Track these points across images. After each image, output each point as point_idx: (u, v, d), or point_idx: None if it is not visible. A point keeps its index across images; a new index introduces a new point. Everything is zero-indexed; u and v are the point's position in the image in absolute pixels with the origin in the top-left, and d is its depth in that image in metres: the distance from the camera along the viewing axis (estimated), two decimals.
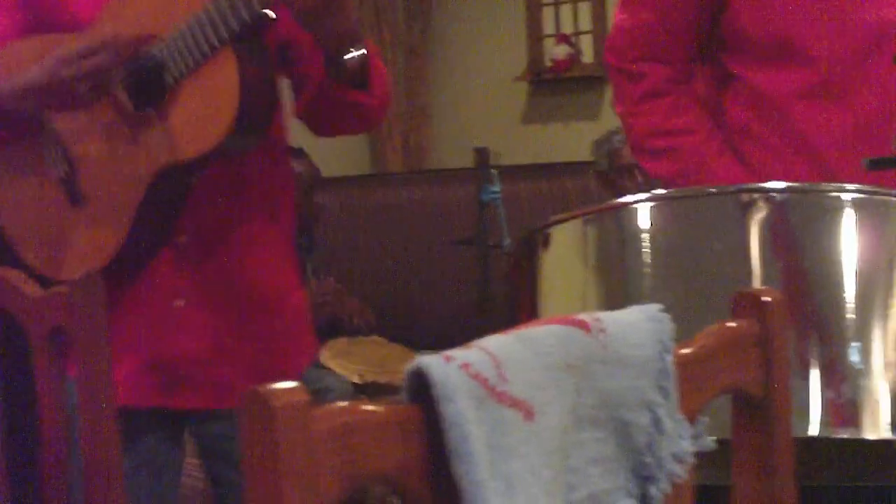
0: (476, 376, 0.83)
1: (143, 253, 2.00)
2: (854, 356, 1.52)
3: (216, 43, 1.83)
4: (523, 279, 1.75)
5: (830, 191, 1.59)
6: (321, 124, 2.12)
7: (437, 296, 5.20)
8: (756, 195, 1.56)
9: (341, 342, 4.40)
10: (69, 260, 2.01)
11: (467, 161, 5.64)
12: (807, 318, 1.57)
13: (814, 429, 1.52)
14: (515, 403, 0.85)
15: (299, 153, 4.39)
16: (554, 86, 5.94)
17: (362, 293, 4.79)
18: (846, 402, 1.52)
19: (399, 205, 5.45)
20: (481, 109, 6.20)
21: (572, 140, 5.73)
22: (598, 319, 0.94)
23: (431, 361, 0.83)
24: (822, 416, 1.51)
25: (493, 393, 0.84)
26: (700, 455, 1.06)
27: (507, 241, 3.54)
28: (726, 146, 2.02)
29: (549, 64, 5.90)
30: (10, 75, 1.98)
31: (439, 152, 6.29)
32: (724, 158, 2.00)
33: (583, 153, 4.75)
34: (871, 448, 1.75)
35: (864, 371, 1.51)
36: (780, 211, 1.57)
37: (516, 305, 1.77)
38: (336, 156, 5.64)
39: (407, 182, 5.68)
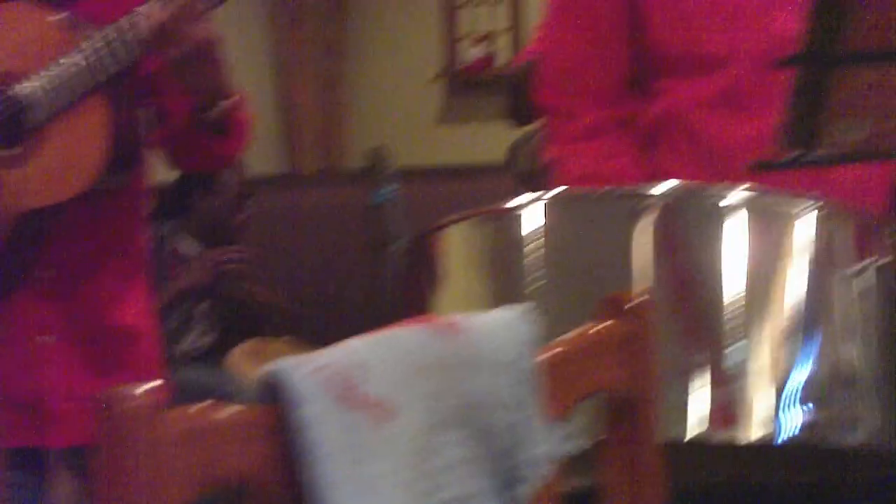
0: (330, 379, 0.83)
1: (6, 289, 1.97)
2: (736, 358, 1.54)
3: (89, 86, 1.82)
4: (417, 281, 1.75)
5: (717, 192, 1.60)
6: (177, 159, 2.13)
7: (344, 298, 5.20)
8: (645, 197, 1.57)
9: (252, 343, 4.38)
10: None
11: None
12: (691, 320, 1.59)
13: (693, 431, 1.54)
14: (372, 406, 0.85)
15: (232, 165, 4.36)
16: (470, 87, 5.95)
17: (276, 295, 4.77)
18: (724, 404, 1.54)
19: (307, 206, 5.44)
20: (397, 109, 6.20)
21: (488, 141, 5.74)
22: (460, 321, 0.94)
23: (284, 364, 0.83)
24: (703, 418, 1.53)
25: (348, 396, 0.83)
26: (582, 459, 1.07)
27: (399, 244, 3.53)
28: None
29: (464, 65, 5.91)
30: None
31: (355, 152, 6.27)
32: None
33: (499, 154, 4.76)
34: (756, 449, 1.78)
35: (746, 373, 1.53)
36: (668, 212, 1.58)
37: (410, 308, 1.77)
38: (250, 155, 5.60)
39: (314, 183, 5.67)
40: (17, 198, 1.87)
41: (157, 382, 0.76)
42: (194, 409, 0.79)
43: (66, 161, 1.86)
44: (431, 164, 5.70)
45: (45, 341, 1.98)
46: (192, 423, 0.78)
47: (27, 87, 1.85)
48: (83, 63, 1.82)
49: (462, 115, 6.04)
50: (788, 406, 1.57)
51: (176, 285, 4.15)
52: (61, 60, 1.83)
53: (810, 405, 1.59)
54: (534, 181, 4.06)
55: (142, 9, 1.80)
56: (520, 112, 3.44)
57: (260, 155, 5.91)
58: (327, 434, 0.82)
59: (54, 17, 1.87)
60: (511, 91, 3.45)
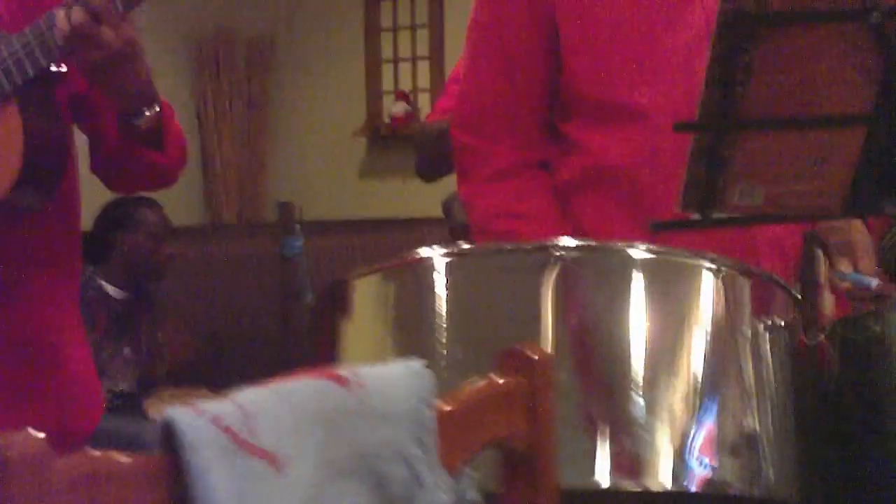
0: (225, 428, 0.84)
1: None
2: (638, 410, 1.56)
3: (2, 93, 1.79)
4: (324, 334, 1.75)
5: (619, 249, 1.63)
6: (115, 181, 2.09)
7: (255, 349, 5.19)
8: (549, 252, 1.60)
9: (166, 394, 4.35)
10: None
11: (305, 214, 5.66)
12: (595, 374, 1.61)
13: (599, 480, 1.56)
14: (265, 455, 0.86)
15: (152, 202, 4.35)
16: (392, 142, 5.99)
17: (192, 347, 4.76)
18: (630, 454, 1.56)
19: (223, 256, 5.44)
20: (319, 162, 6.22)
21: (409, 196, 5.78)
22: (356, 373, 0.95)
23: (180, 412, 0.83)
24: (606, 467, 1.55)
25: (241, 444, 0.84)
26: None
27: (308, 296, 3.55)
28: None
29: (387, 120, 5.96)
30: None
31: (275, 205, 6.28)
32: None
33: (419, 210, 4.80)
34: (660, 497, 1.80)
35: (648, 424, 1.56)
36: (572, 268, 1.61)
37: (319, 359, 1.77)
38: (168, 204, 5.58)
39: (230, 234, 5.67)
40: None
41: (40, 435, 0.76)
42: (84, 456, 0.79)
43: None
44: (351, 216, 5.72)
45: None
46: (83, 470, 0.78)
47: None
48: None
49: (383, 169, 6.08)
50: (692, 457, 1.60)
51: (104, 330, 4.12)
52: None
53: (713, 457, 1.62)
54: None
55: (58, 11, 1.76)
56: (428, 168, 3.46)
57: (179, 205, 5.89)
58: (219, 483, 0.82)
59: None
60: (420, 147, 3.47)
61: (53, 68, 1.80)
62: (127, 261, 4.31)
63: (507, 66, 2.02)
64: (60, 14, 1.74)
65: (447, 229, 4.20)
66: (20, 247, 1.97)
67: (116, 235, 4.29)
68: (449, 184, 3.99)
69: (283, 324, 3.97)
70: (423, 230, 4.77)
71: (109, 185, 2.10)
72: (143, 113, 1.88)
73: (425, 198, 4.71)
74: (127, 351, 4.29)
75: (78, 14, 1.73)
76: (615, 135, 1.99)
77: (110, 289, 4.29)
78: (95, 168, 2.06)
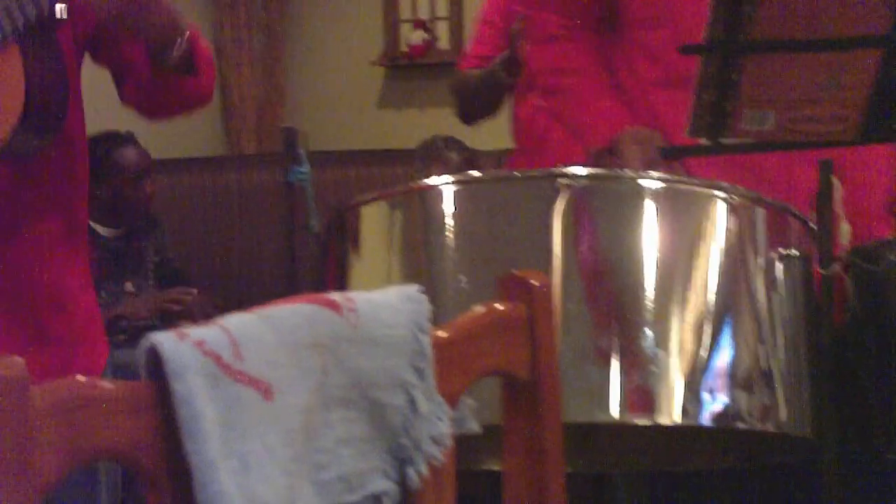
0: (210, 353, 0.82)
1: None
2: (649, 342, 1.54)
3: (2, 36, 1.76)
4: (331, 261, 1.74)
5: (630, 178, 1.61)
6: (151, 110, 2.06)
7: (266, 275, 5.20)
8: (557, 181, 1.57)
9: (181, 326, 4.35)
10: None
11: (322, 143, 5.63)
12: (605, 304, 1.59)
13: (609, 414, 1.54)
14: (252, 382, 0.84)
15: (128, 139, 4.30)
16: (410, 71, 5.93)
17: (203, 280, 4.76)
18: (641, 388, 1.55)
19: (235, 186, 5.43)
20: (337, 92, 6.17)
21: (427, 126, 5.73)
22: (349, 299, 0.93)
23: (164, 338, 0.82)
24: (618, 401, 1.53)
25: (228, 371, 0.83)
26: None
27: (315, 225, 3.52)
28: (611, 89, 2.02)
29: (405, 49, 5.90)
30: None
31: (281, 127, 6.24)
32: (603, 98, 2.00)
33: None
34: (673, 433, 1.79)
35: (658, 357, 1.54)
36: (582, 197, 1.58)
37: (324, 285, 1.76)
38: (188, 136, 5.57)
39: (245, 164, 5.64)
40: None
41: (19, 360, 0.74)
42: (65, 382, 0.78)
43: None
44: (369, 147, 5.68)
45: None
46: (63, 396, 0.77)
47: None
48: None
49: (400, 99, 6.03)
50: (704, 391, 1.58)
51: (113, 311, 4.09)
52: None
53: (725, 391, 1.60)
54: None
55: None
56: (469, 115, 3.51)
57: (198, 136, 5.87)
58: (206, 409, 0.81)
59: None
60: (460, 96, 3.49)
61: (57, 13, 1.76)
62: (111, 201, 4.28)
63: None
64: None
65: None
66: (24, 190, 1.95)
67: (97, 178, 4.24)
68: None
69: (289, 252, 3.93)
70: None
71: (145, 114, 2.07)
72: (173, 45, 1.84)
73: (443, 128, 4.67)
74: (129, 286, 4.28)
75: None
76: (646, 61, 1.99)
77: (100, 228, 4.25)
78: (127, 100, 2.03)
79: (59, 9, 1.75)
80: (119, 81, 2.04)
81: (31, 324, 1.98)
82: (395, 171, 5.41)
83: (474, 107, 3.47)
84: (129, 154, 4.25)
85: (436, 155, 4.07)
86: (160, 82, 1.91)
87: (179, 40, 1.85)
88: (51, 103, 1.82)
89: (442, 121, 5.33)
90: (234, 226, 5.35)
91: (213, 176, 5.45)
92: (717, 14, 1.39)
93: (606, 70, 2.04)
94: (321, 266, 1.80)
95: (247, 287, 5.20)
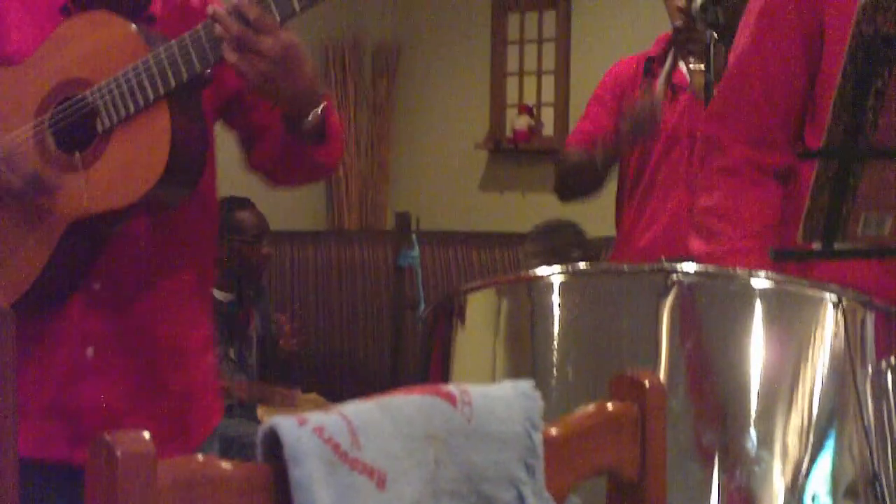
0: (329, 441, 0.83)
1: (55, 297, 1.96)
2: (752, 443, 1.53)
3: (151, 96, 1.81)
4: (436, 345, 1.75)
5: (739, 276, 1.60)
6: (279, 176, 2.09)
7: (368, 355, 5.23)
8: (667, 276, 1.57)
9: (279, 397, 4.39)
10: None
11: (423, 223, 5.66)
12: (709, 402, 1.58)
13: None
14: (368, 471, 0.85)
15: (246, 203, 4.40)
16: (513, 155, 5.98)
17: (305, 338, 4.80)
18: (742, 489, 1.53)
19: (341, 262, 5.48)
20: (440, 172, 6.23)
21: (528, 210, 5.77)
22: (465, 392, 0.94)
23: (284, 422, 0.83)
24: (718, 500, 1.52)
25: (345, 459, 0.84)
26: None
27: (422, 306, 3.55)
28: (762, 249, 1.96)
29: (509, 133, 5.94)
30: None
31: (395, 212, 6.30)
32: (751, 257, 1.93)
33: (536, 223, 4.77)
34: None
35: (761, 457, 1.52)
36: (690, 293, 1.58)
37: (428, 372, 1.77)
38: (292, 209, 5.65)
39: (354, 240, 5.70)
40: (74, 203, 1.87)
41: (146, 434, 0.76)
42: (189, 460, 0.80)
43: (125, 169, 1.84)
44: (469, 228, 5.72)
45: (87, 354, 1.97)
46: (186, 473, 0.79)
47: (98, 92, 1.86)
48: (153, 70, 1.80)
49: (503, 182, 6.07)
50: (807, 496, 1.56)
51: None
52: (133, 67, 1.82)
53: (829, 498, 1.58)
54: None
55: (212, 17, 1.77)
56: (569, 192, 3.50)
57: (302, 209, 5.96)
58: (322, 495, 0.82)
59: (131, 27, 1.88)
60: (562, 172, 3.49)
61: (206, 74, 1.82)
62: (228, 264, 4.36)
63: (766, 79, 2.00)
64: (219, 20, 1.76)
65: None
66: (159, 245, 2.00)
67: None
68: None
69: (395, 332, 3.98)
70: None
71: (272, 180, 2.11)
72: (309, 114, 1.88)
73: (543, 213, 4.69)
74: (231, 352, 4.34)
75: (234, 22, 1.75)
76: None
77: (216, 292, 4.34)
78: (255, 165, 2.07)
79: (208, 71, 1.81)
80: (248, 146, 2.09)
81: (151, 375, 2.02)
82: (493, 254, 5.44)
83: (571, 185, 3.46)
84: (248, 216, 4.36)
85: (554, 242, 4.06)
86: (291, 149, 1.95)
87: (315, 109, 1.89)
88: (191, 160, 1.87)
89: (543, 206, 5.35)
90: (333, 299, 5.40)
91: (317, 250, 5.52)
92: (837, 119, 1.39)
93: (770, 230, 1.97)
94: (425, 349, 1.82)
95: (347, 362, 5.23)
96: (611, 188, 3.43)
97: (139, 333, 2.01)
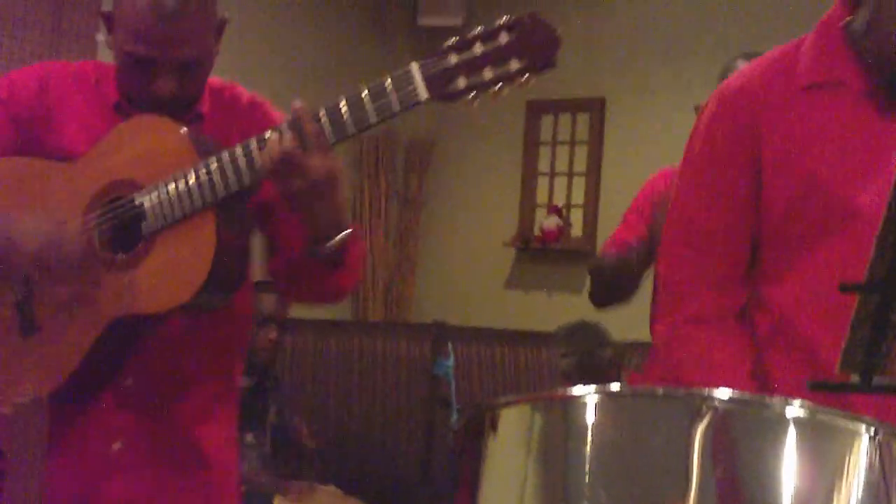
0: None
1: (89, 390, 1.99)
2: None
3: (199, 205, 1.84)
4: (467, 457, 1.75)
5: (773, 405, 1.60)
6: (288, 289, 2.12)
7: (394, 452, 5.20)
8: (701, 402, 1.58)
9: (297, 487, 4.37)
10: (5, 387, 1.98)
11: (447, 317, 5.68)
12: None
13: None
14: None
15: (265, 286, 4.41)
16: (541, 255, 6.00)
17: (323, 438, 4.79)
18: None
19: (363, 353, 5.48)
20: (467, 268, 6.25)
21: (553, 310, 5.77)
22: None
23: None
24: None
25: None
26: None
27: (454, 415, 3.57)
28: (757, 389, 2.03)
29: (538, 233, 5.97)
30: None
31: (421, 305, 6.32)
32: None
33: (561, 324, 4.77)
34: None
35: None
36: (724, 420, 1.58)
37: (459, 482, 1.77)
38: None
39: (377, 332, 5.71)
40: (116, 302, 1.90)
41: None
42: None
43: (169, 273, 1.87)
44: (493, 325, 5.72)
45: (114, 448, 1.99)
46: None
47: (146, 196, 1.88)
48: (203, 179, 1.84)
49: (529, 281, 6.08)
50: None
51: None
52: (182, 174, 1.85)
53: None
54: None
55: (270, 134, 1.81)
56: (604, 297, 3.51)
57: None
58: None
59: (182, 131, 1.91)
60: (597, 277, 3.51)
61: (254, 186, 1.84)
62: (248, 349, 4.38)
63: (715, 200, 2.06)
64: (273, 137, 1.78)
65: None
66: (190, 345, 2.02)
67: None
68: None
69: (426, 435, 4.00)
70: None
71: (282, 292, 2.14)
72: (331, 238, 1.91)
73: (569, 313, 4.70)
74: (249, 437, 4.34)
75: (288, 139, 1.77)
76: (794, 288, 2.02)
77: None
78: (272, 271, 2.10)
79: (258, 184, 1.83)
80: (271, 252, 2.11)
81: (176, 471, 2.04)
82: (517, 352, 5.44)
83: (607, 291, 3.48)
84: (269, 302, 4.37)
85: (583, 343, 4.06)
86: (307, 268, 1.97)
87: (337, 234, 1.91)
88: (232, 268, 1.90)
89: (569, 306, 5.36)
90: (354, 391, 5.40)
91: (339, 340, 5.52)
92: (880, 253, 1.41)
93: (752, 371, 2.03)
94: (456, 458, 1.81)
95: (367, 454, 5.21)
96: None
97: (166, 430, 2.02)
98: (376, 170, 6.27)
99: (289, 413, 4.61)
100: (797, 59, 2.07)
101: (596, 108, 5.83)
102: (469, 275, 6.23)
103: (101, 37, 2.01)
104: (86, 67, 2.10)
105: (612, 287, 3.42)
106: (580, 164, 5.93)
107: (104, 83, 2.05)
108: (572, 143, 5.96)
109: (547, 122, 6.02)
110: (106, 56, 2.14)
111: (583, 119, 5.92)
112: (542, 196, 6.04)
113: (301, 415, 4.69)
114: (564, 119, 5.97)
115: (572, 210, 5.94)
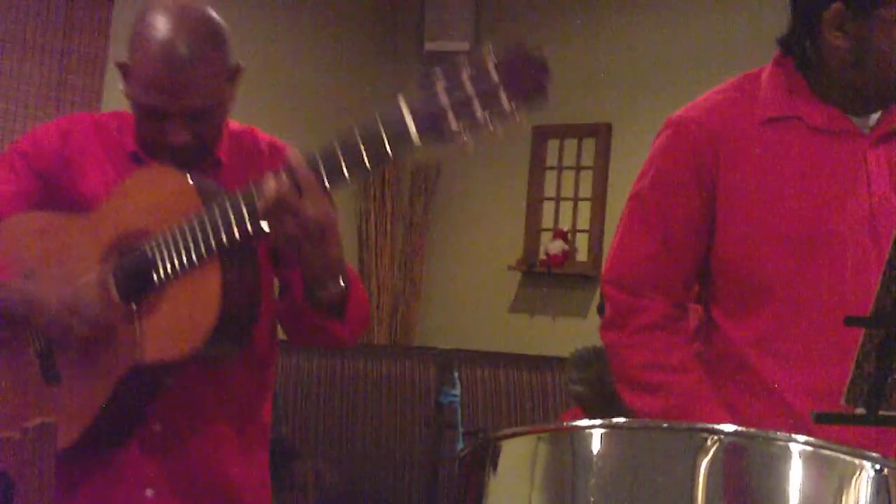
0: None
1: (114, 438, 1.99)
2: None
3: (203, 252, 1.83)
4: (470, 487, 1.75)
5: (778, 440, 1.60)
6: (292, 335, 2.11)
7: (398, 476, 5.20)
8: (705, 436, 1.58)
9: None
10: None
11: (452, 341, 5.68)
12: None
13: None
14: None
15: None
16: (545, 279, 6.00)
17: (332, 460, 4.79)
18: None
19: (367, 377, 5.49)
20: (472, 292, 6.25)
21: (557, 334, 5.78)
22: None
23: None
24: None
25: None
26: None
27: (459, 442, 3.57)
28: (714, 389, 2.06)
29: (543, 257, 5.97)
30: (4, 253, 2.00)
31: (426, 329, 6.32)
32: (710, 402, 2.04)
33: (566, 349, 4.78)
34: None
35: None
36: (727, 454, 1.58)
37: None
38: None
39: (382, 356, 5.71)
40: (130, 351, 1.90)
41: None
42: None
43: (176, 324, 1.87)
44: (497, 349, 5.72)
45: (146, 495, 1.99)
46: None
47: (154, 245, 1.89)
48: (204, 225, 1.83)
49: (534, 305, 6.08)
50: None
51: None
52: (186, 222, 1.85)
53: None
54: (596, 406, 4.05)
55: (268, 176, 1.80)
56: None
57: None
58: None
59: (186, 180, 1.91)
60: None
61: (258, 230, 1.83)
62: None
63: (664, 236, 2.10)
64: (270, 180, 1.78)
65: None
66: (212, 390, 2.02)
67: None
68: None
69: (431, 460, 3.99)
70: (566, 370, 4.74)
71: (286, 334, 2.13)
72: (328, 286, 1.90)
73: (573, 338, 4.70)
74: None
75: (284, 183, 1.77)
76: (754, 333, 2.05)
77: None
78: (278, 313, 2.09)
79: (265, 224, 1.82)
80: (281, 296, 2.11)
81: None
82: (521, 376, 5.43)
83: None
84: None
85: (599, 371, 4.06)
86: (306, 315, 1.96)
87: (334, 285, 1.91)
88: (242, 316, 1.89)
89: (574, 331, 5.36)
90: (359, 414, 5.39)
91: (344, 363, 5.53)
92: (886, 288, 1.41)
93: (700, 363, 2.08)
94: (460, 491, 1.82)
95: (369, 476, 5.20)
96: None
97: (196, 475, 2.03)
98: (382, 193, 6.28)
99: (284, 429, 4.61)
100: (755, 93, 2.09)
101: (602, 134, 5.84)
102: (474, 298, 6.23)
103: (120, 86, 2.01)
104: (108, 117, 2.12)
105: None
106: (585, 189, 5.93)
107: (124, 132, 2.06)
108: (578, 168, 5.97)
109: (553, 146, 6.03)
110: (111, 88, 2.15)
111: (588, 144, 5.93)
112: (547, 220, 6.05)
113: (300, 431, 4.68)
114: (570, 144, 5.98)
115: (577, 235, 5.94)
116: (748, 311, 2.05)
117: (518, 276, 6.12)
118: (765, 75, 2.12)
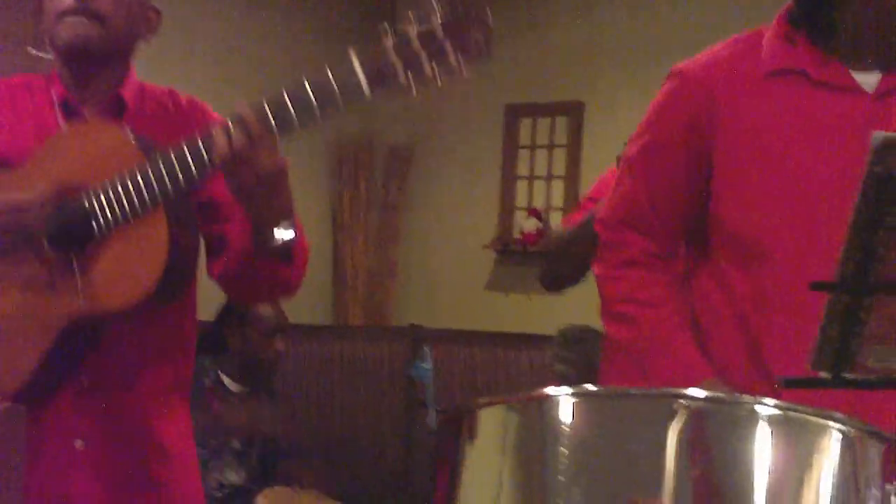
0: None
1: (48, 391, 2.01)
2: None
3: (149, 202, 1.85)
4: (444, 458, 1.76)
5: (747, 403, 1.62)
6: (237, 290, 2.14)
7: (374, 454, 5.22)
8: (675, 401, 1.59)
9: (279, 491, 4.37)
10: None
11: (428, 321, 5.70)
12: None
13: None
14: None
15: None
16: (520, 257, 6.02)
17: (310, 444, 4.80)
18: None
19: (343, 358, 5.50)
20: (447, 271, 6.27)
21: (533, 312, 5.79)
22: None
23: None
24: None
25: None
26: None
27: (431, 415, 3.58)
28: (686, 327, 2.09)
29: (517, 235, 5.99)
30: None
31: (401, 309, 6.33)
32: (678, 338, 2.08)
33: (541, 326, 4.81)
34: None
35: None
36: (697, 419, 1.60)
37: (436, 483, 1.78)
38: (297, 303, 5.66)
39: (357, 336, 5.71)
40: (71, 303, 1.91)
41: None
42: None
43: (122, 273, 1.89)
44: (473, 328, 5.74)
45: (76, 446, 2.01)
46: None
47: (94, 196, 1.89)
48: (150, 178, 1.85)
49: (509, 284, 6.10)
50: None
51: (215, 418, 4.18)
52: (130, 173, 1.87)
53: None
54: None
55: (216, 130, 1.83)
56: (555, 277, 3.52)
57: (308, 304, 5.98)
58: None
59: (128, 135, 1.92)
60: (552, 248, 3.53)
61: (203, 179, 1.86)
62: (241, 354, 4.39)
63: (648, 187, 2.16)
64: (219, 133, 1.80)
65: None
66: (137, 340, 2.05)
67: (232, 329, 4.38)
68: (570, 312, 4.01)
69: (406, 437, 4.01)
70: (542, 348, 4.77)
71: (230, 293, 2.16)
72: (279, 231, 1.93)
73: (549, 315, 4.72)
74: (235, 443, 4.34)
75: (237, 136, 1.79)
76: (740, 275, 2.07)
77: (226, 381, 4.36)
78: (213, 275, 2.11)
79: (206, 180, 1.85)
80: (210, 256, 2.13)
81: (140, 469, 2.06)
82: (497, 354, 5.45)
83: (560, 267, 3.46)
84: (266, 310, 4.39)
85: (586, 351, 4.06)
86: (255, 264, 1.99)
87: (285, 227, 1.94)
88: (185, 265, 1.92)
89: (549, 308, 5.37)
90: (336, 395, 5.41)
91: (321, 344, 5.53)
92: (848, 254, 1.42)
93: (684, 307, 2.14)
94: (434, 461, 1.83)
95: (349, 457, 5.22)
96: None
97: (123, 427, 2.06)
98: (355, 174, 6.27)
99: (275, 421, 4.61)
100: (758, 48, 2.11)
101: (574, 112, 5.85)
102: (449, 278, 6.25)
103: (33, 51, 2.02)
104: (19, 77, 2.12)
105: (565, 260, 3.40)
106: (559, 168, 5.95)
107: (45, 88, 2.07)
108: (551, 147, 5.98)
109: (526, 125, 6.04)
110: None
111: (561, 123, 5.94)
112: (521, 199, 6.07)
113: (288, 424, 4.69)
114: (543, 123, 5.99)
115: (552, 213, 5.97)
116: (746, 269, 2.07)
117: (493, 254, 6.14)
118: (769, 31, 2.13)
